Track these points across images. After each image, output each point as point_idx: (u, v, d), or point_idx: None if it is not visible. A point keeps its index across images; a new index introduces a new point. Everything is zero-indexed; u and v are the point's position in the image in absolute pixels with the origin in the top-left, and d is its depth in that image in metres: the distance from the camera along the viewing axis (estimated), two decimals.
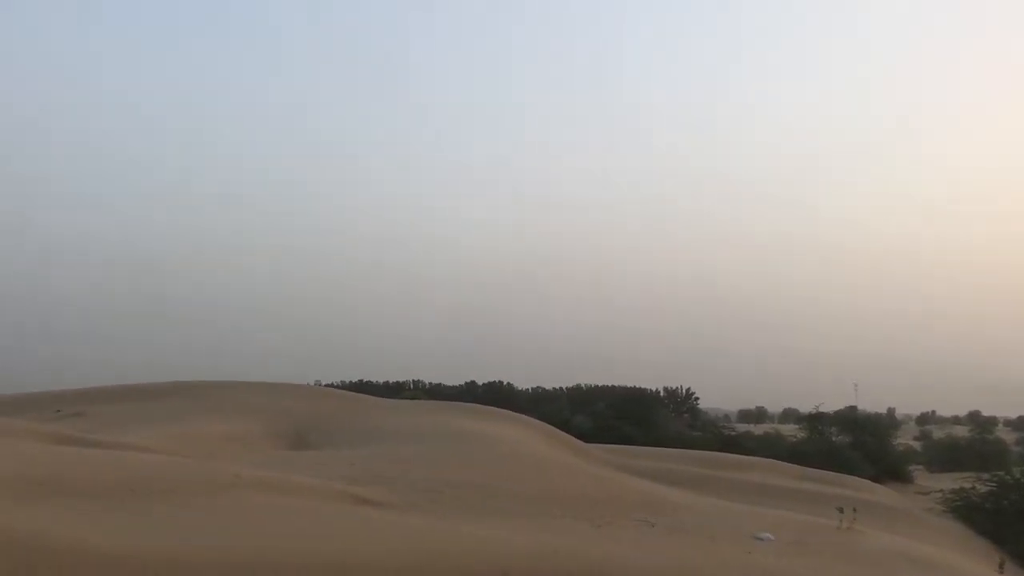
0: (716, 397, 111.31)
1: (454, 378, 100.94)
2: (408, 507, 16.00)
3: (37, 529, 9.04)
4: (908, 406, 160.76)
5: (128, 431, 23.18)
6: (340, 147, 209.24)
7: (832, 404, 62.74)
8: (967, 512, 31.77)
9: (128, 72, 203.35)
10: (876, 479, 41.27)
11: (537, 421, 37.30)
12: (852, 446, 49.99)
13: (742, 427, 76.57)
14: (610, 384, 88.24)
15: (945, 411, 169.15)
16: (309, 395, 39.48)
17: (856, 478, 36.45)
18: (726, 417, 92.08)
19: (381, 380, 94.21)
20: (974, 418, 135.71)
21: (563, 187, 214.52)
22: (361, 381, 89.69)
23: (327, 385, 66.26)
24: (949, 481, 37.99)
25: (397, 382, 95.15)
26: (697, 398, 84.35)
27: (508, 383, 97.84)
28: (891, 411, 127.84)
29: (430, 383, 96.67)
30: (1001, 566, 20.35)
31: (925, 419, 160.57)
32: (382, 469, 19.99)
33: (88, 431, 22.37)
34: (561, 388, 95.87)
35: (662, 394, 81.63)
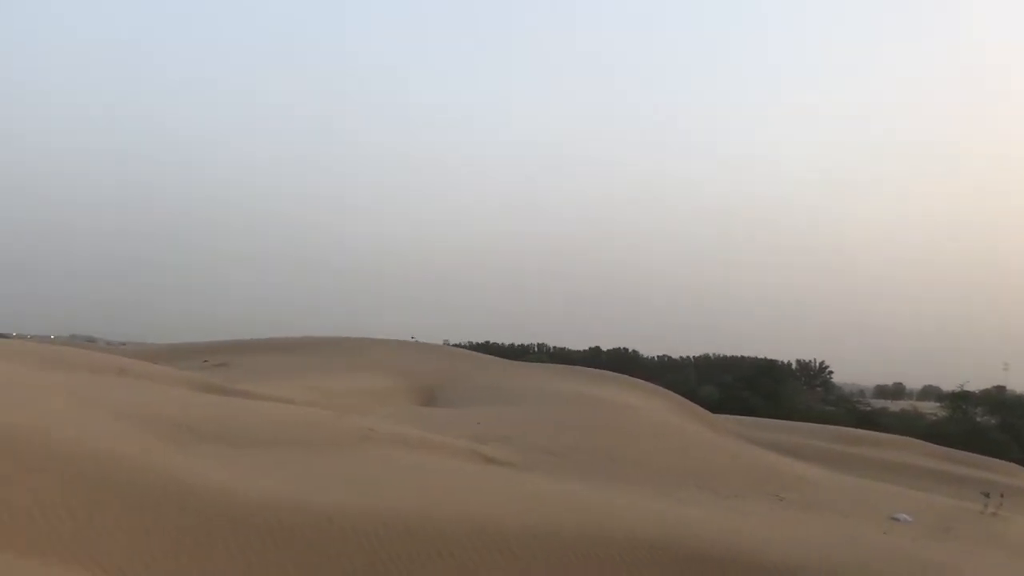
0: (851, 371, 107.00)
1: (578, 343, 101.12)
2: (532, 468, 16.14)
3: (183, 471, 9.60)
4: None
5: (269, 382, 24.24)
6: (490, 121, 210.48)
7: (978, 383, 59.10)
8: None
9: None
10: None
11: (663, 389, 36.95)
12: (1000, 428, 47.21)
13: (878, 403, 73.28)
14: (739, 355, 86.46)
15: None
16: (439, 354, 40.27)
17: (1003, 462, 34.39)
18: (861, 392, 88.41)
19: (506, 342, 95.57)
20: None
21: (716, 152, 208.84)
22: (487, 342, 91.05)
23: (454, 345, 67.47)
24: None
25: (522, 345, 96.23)
26: (831, 372, 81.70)
27: (633, 350, 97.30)
28: None
29: (554, 347, 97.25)
30: None
31: None
32: (507, 429, 20.24)
33: (232, 381, 23.50)
34: (688, 357, 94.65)
35: (794, 366, 79.36)
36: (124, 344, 69.00)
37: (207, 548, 8.09)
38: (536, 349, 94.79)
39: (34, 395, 12.45)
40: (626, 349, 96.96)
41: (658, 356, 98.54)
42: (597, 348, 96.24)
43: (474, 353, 47.76)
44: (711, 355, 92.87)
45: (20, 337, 57.56)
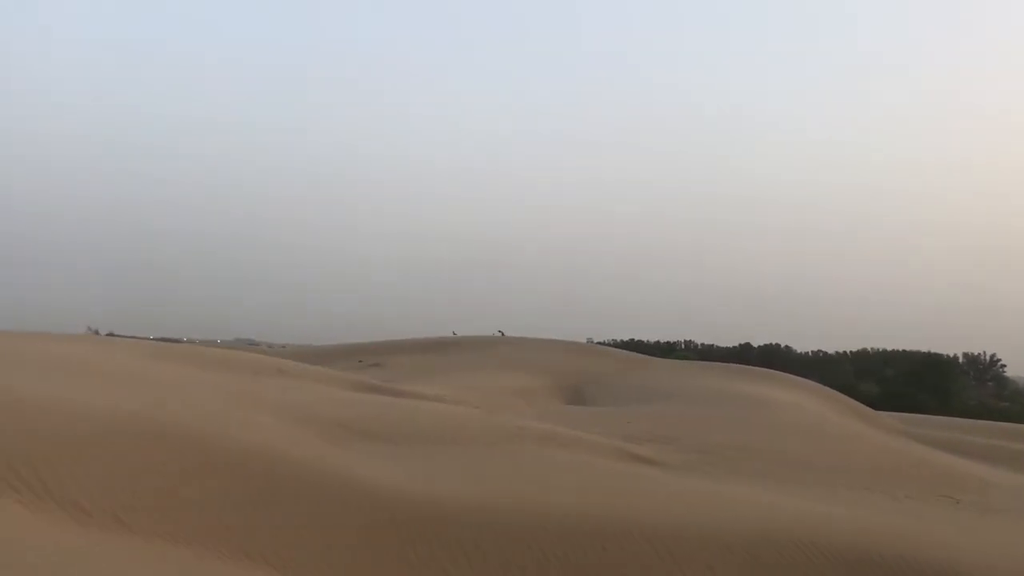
0: None
1: (727, 339, 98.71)
2: (685, 468, 15.74)
3: (343, 468, 9.86)
4: None
5: (421, 381, 24.81)
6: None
7: None
8: None
9: None
10: None
11: (819, 385, 35.47)
12: None
13: None
14: (899, 348, 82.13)
15: None
16: (586, 352, 40.17)
17: None
18: None
19: (652, 339, 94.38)
20: None
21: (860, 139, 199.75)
22: (632, 340, 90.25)
23: (599, 343, 67.16)
24: None
25: (668, 342, 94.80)
26: (1003, 365, 76.41)
27: (785, 345, 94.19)
28: None
29: (702, 344, 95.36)
30: None
31: None
32: (657, 428, 19.87)
33: (386, 380, 24.17)
34: (844, 352, 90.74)
35: (961, 360, 74.69)
36: (284, 346, 72.42)
37: (370, 544, 8.25)
38: (683, 346, 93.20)
39: (200, 394, 13.15)
40: (777, 344, 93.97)
41: (811, 351, 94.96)
42: (747, 344, 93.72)
43: (620, 351, 47.36)
44: (869, 349, 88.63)
45: (190, 342, 61.41)
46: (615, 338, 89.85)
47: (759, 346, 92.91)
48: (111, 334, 60.71)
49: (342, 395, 17.20)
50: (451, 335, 41.69)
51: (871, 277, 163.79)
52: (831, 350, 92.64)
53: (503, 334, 42.16)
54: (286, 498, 8.50)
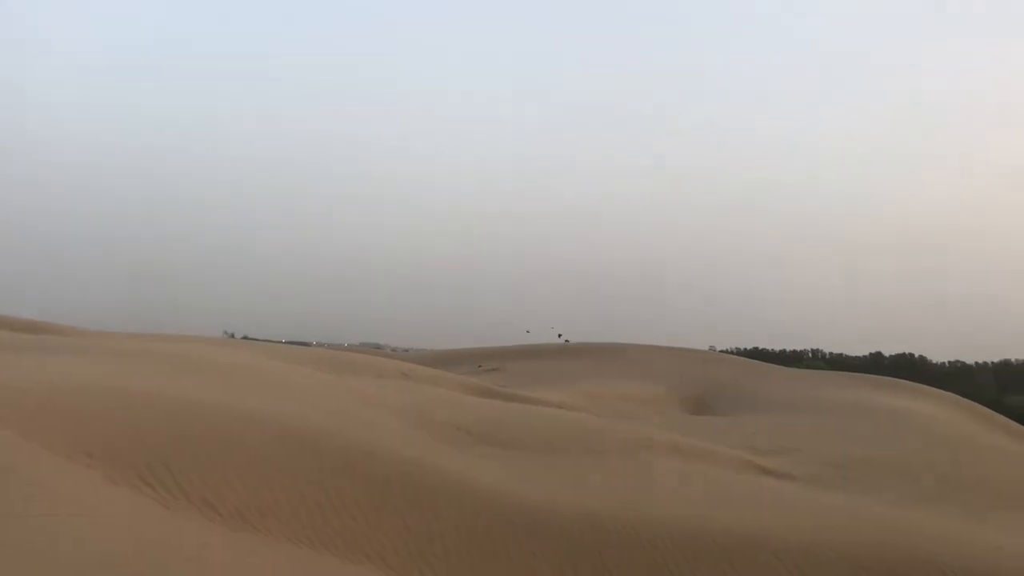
0: None
1: (857, 348, 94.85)
2: (815, 481, 15.11)
3: (462, 472, 9.89)
4: None
5: (541, 387, 24.80)
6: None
7: None
8: None
9: None
10: None
11: (958, 398, 33.51)
12: None
13: None
14: None
15: None
16: (708, 360, 39.34)
17: None
18: None
19: (777, 348, 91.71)
20: None
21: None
22: (756, 348, 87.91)
23: (721, 351, 65.68)
24: None
25: (794, 350, 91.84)
26: None
27: (920, 355, 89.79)
28: None
29: (830, 353, 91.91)
30: None
31: None
32: (784, 440, 19.21)
33: (506, 385, 24.28)
34: (985, 363, 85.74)
35: None
36: (407, 350, 73.99)
37: (488, 550, 8.22)
38: (810, 355, 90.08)
39: (326, 397, 13.48)
40: (911, 354, 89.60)
41: (948, 362, 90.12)
42: (878, 353, 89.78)
43: (744, 359, 46.15)
44: (1013, 360, 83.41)
45: (319, 345, 63.54)
46: (738, 346, 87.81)
47: (891, 355, 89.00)
48: (246, 337, 63.58)
49: (463, 399, 17.35)
50: (571, 343, 41.57)
51: (1016, 285, 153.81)
52: (970, 360, 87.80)
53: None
54: (405, 501, 8.57)
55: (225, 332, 67.57)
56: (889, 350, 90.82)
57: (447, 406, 14.86)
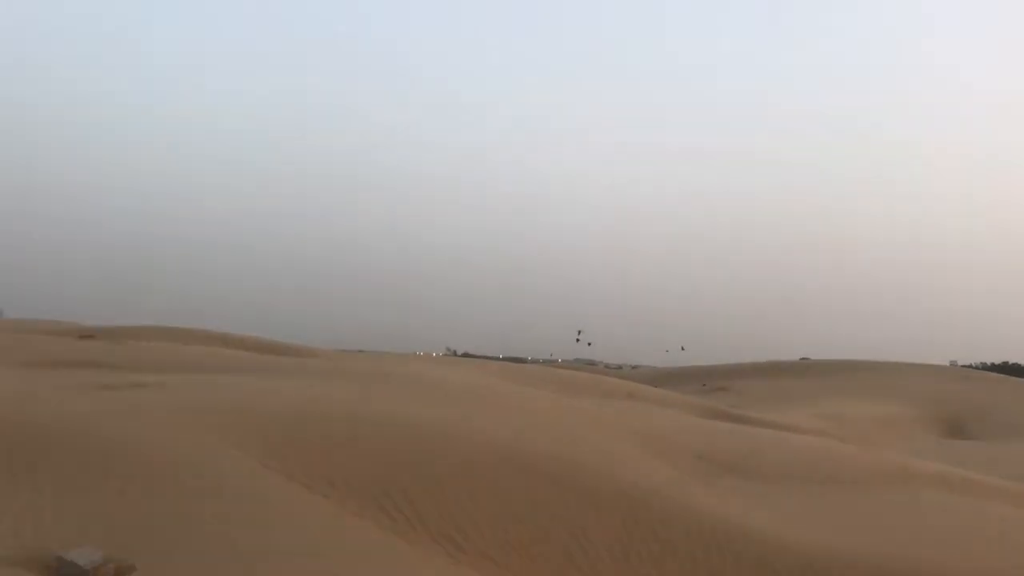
0: None
1: None
2: None
3: (712, 507, 9.04)
4: None
5: (773, 408, 23.33)
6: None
7: None
8: None
9: None
10: None
11: None
12: None
13: None
14: None
15: None
16: (956, 378, 35.85)
17: None
18: None
19: None
20: None
21: None
22: (1005, 363, 79.54)
23: (963, 366, 59.89)
24: None
25: None
26: None
27: None
28: None
29: None
30: None
31: None
32: None
33: (735, 406, 23.03)
34: None
35: None
36: (620, 367, 73.21)
37: None
38: None
39: (559, 420, 13.02)
40: None
41: None
42: None
43: (999, 375, 41.66)
44: None
45: (533, 361, 64.16)
46: (984, 360, 79.87)
47: None
48: (466, 354, 65.33)
49: (698, 423, 16.41)
50: (797, 360, 39.21)
51: None
52: None
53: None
54: (657, 545, 7.89)
55: (448, 349, 69.81)
56: None
57: (683, 431, 14.02)
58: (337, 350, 31.52)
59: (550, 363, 68.17)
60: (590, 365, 75.70)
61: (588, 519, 7.94)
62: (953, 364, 62.99)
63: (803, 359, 39.55)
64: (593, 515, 8.01)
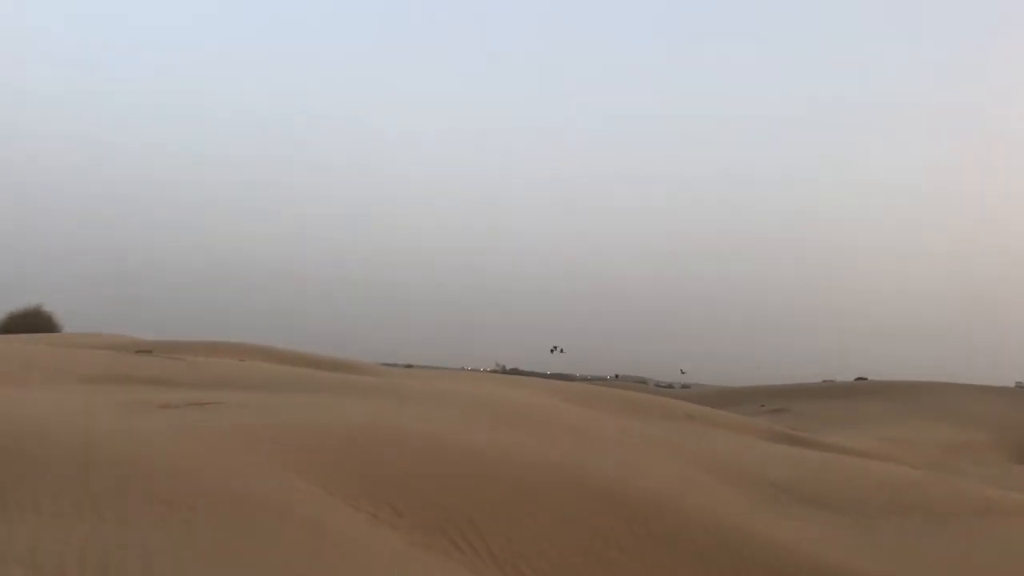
0: None
1: None
2: None
3: (790, 542, 8.61)
4: None
5: (837, 431, 22.64)
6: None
7: None
8: None
9: None
10: None
11: None
12: None
13: None
14: None
15: None
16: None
17: None
18: None
19: None
20: None
21: None
22: None
23: None
24: None
25: None
26: None
27: None
28: None
29: None
30: None
31: None
32: None
33: (796, 428, 22.39)
34: None
35: None
36: (670, 386, 72.26)
37: None
38: None
39: (618, 443, 12.67)
40: None
41: None
42: None
43: None
44: None
45: (582, 379, 63.58)
46: None
47: None
48: (515, 369, 64.99)
49: (763, 447, 15.89)
50: (859, 380, 38.23)
51: None
52: None
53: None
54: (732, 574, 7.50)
55: (497, 364, 69.54)
56: None
57: (753, 456, 13.56)
58: (384, 364, 31.46)
59: (598, 380, 67.49)
60: (640, 384, 74.76)
61: (665, 558, 7.56)
62: (1019, 386, 60.99)
63: (859, 379, 38.52)
64: (669, 554, 7.64)
